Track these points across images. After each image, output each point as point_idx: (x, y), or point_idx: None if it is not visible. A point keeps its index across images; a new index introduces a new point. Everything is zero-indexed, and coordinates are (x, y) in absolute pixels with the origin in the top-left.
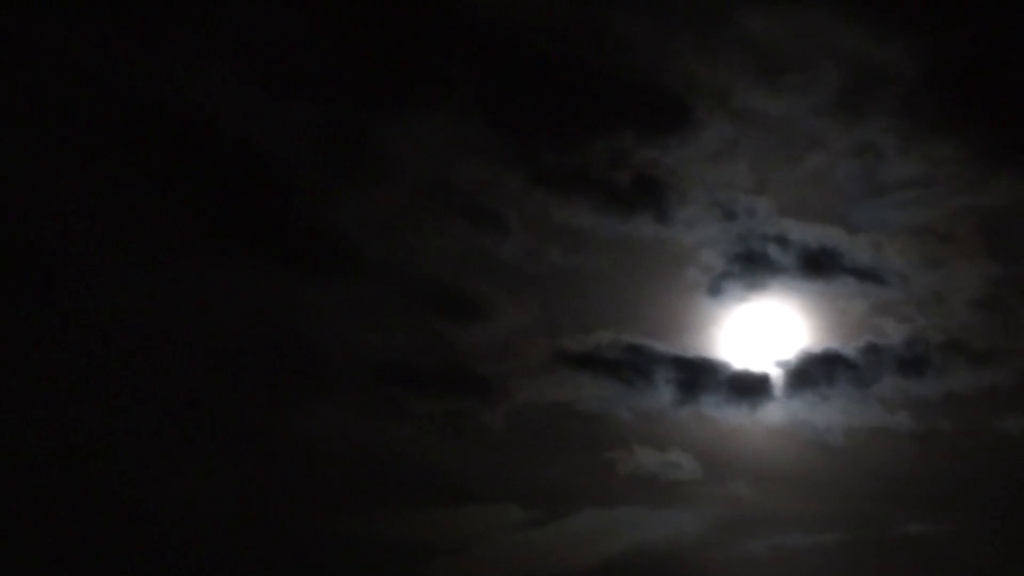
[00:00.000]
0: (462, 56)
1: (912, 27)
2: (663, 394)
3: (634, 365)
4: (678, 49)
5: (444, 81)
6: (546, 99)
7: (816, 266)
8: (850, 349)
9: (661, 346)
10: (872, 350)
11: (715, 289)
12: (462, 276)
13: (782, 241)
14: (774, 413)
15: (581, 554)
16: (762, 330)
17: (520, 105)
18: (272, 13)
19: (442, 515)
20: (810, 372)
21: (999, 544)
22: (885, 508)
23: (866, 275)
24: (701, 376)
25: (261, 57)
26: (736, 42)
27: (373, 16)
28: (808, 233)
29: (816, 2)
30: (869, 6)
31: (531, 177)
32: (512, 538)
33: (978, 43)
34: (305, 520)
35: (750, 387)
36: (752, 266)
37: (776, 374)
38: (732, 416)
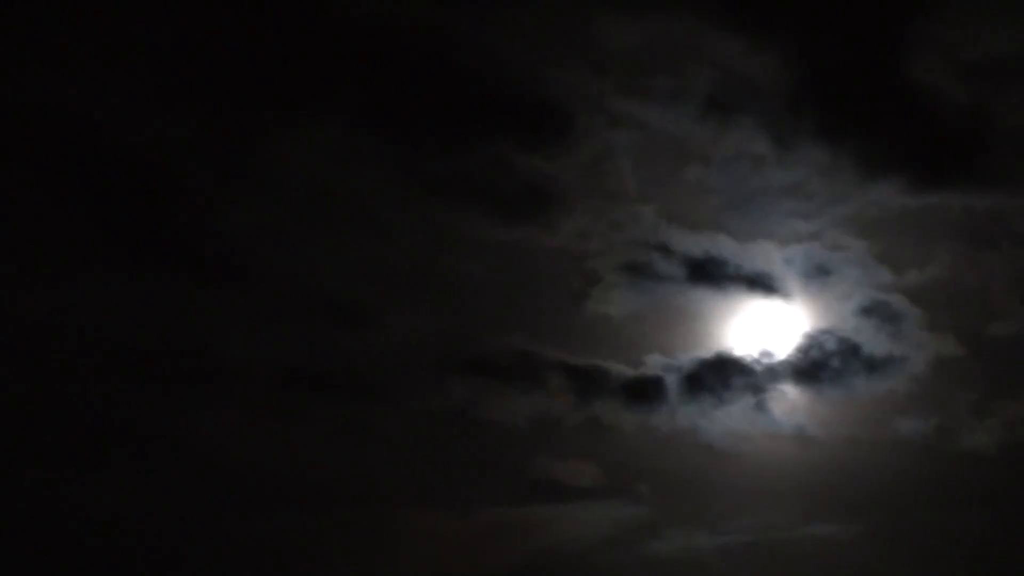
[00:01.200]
0: (348, 63)
1: (784, 35)
2: (557, 400)
3: (527, 372)
4: (555, 57)
5: (330, 88)
6: (431, 107)
7: (703, 274)
8: (744, 355)
9: (553, 353)
10: (766, 356)
11: (604, 298)
12: (353, 283)
13: (667, 250)
14: (671, 418)
15: (491, 555)
16: (654, 337)
17: (406, 112)
18: (158, 19)
19: (348, 518)
20: (704, 378)
21: (900, 544)
22: (787, 510)
23: (756, 283)
24: (595, 383)
25: (148, 64)
26: (608, 50)
27: (259, 22)
28: (694, 241)
29: (685, 10)
30: (739, 14)
31: (419, 184)
32: (420, 539)
33: (850, 51)
34: (201, 524)
35: (645, 393)
36: (640, 274)
37: (671, 380)
38: (629, 421)
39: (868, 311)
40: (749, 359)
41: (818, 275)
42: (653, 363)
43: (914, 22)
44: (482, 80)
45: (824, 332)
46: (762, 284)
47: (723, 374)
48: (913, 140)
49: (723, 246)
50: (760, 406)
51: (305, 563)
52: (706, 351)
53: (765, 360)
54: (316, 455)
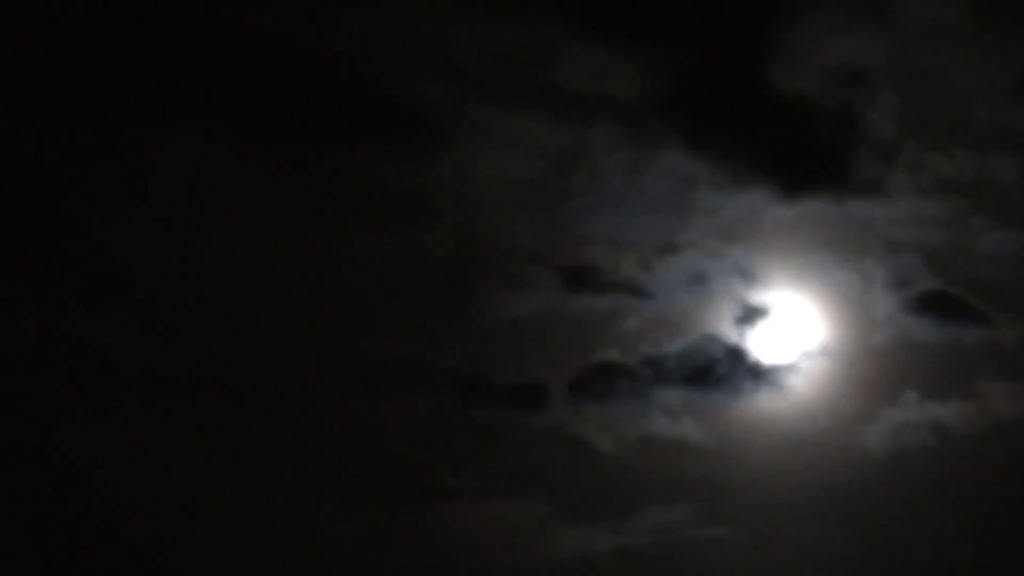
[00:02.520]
0: (221, 76)
1: (644, 42)
2: (444, 405)
3: (412, 378)
4: (419, 67)
5: (205, 100)
6: (302, 117)
7: (580, 282)
8: (627, 361)
9: (438, 360)
10: (650, 362)
11: (485, 306)
12: (233, 292)
13: (542, 258)
14: (557, 423)
15: (381, 556)
16: (537, 344)
17: (280, 123)
18: (32, 34)
19: (234, 521)
20: (589, 384)
21: (783, 544)
22: (680, 512)
23: (635, 290)
24: (481, 389)
25: (25, 78)
26: (472, 59)
27: (132, 37)
28: (567, 250)
29: (547, 17)
30: (599, 21)
31: (293, 194)
32: (308, 541)
33: (711, 58)
34: (72, 529)
35: (530, 399)
36: (518, 283)
37: (556, 386)
38: (515, 427)
39: (748, 318)
40: (633, 365)
41: (696, 283)
42: (537, 370)
43: (773, 29)
44: (351, 90)
45: (707, 338)
46: (641, 292)
47: (607, 380)
48: (781, 148)
49: (598, 254)
50: (645, 411)
51: (185, 565)
52: (589, 358)
53: (649, 366)
54: (196, 460)
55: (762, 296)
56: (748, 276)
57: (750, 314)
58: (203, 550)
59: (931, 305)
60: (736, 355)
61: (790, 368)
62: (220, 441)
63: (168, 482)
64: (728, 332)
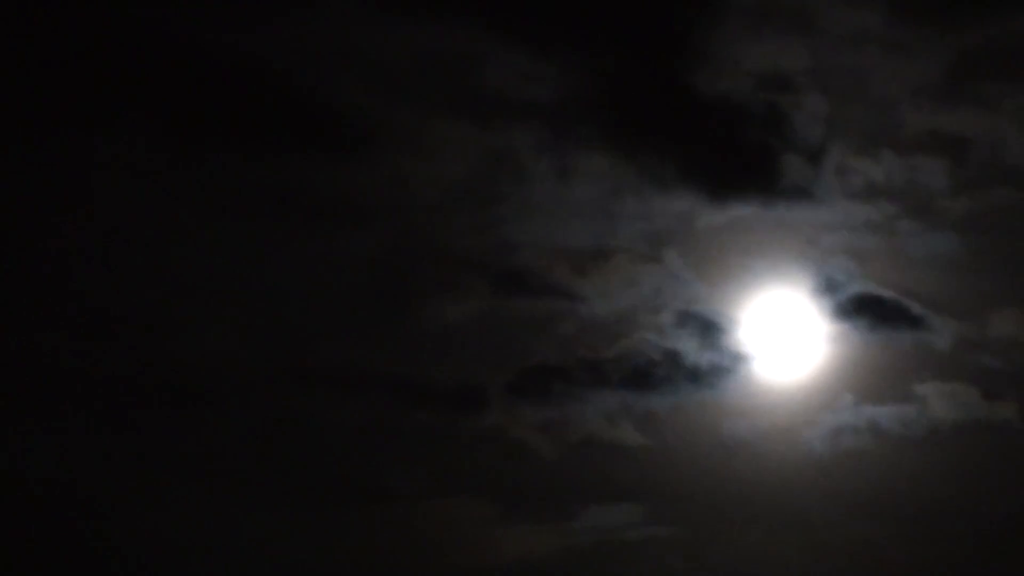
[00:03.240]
0: (149, 83)
1: (572, 49)
2: (380, 408)
3: (353, 380)
4: (348, 74)
5: (135, 107)
6: (231, 123)
7: (514, 287)
8: (565, 364)
9: (378, 362)
10: (587, 365)
11: (422, 312)
12: (173, 298)
13: (473, 263)
14: (496, 426)
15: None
16: (476, 347)
17: (210, 129)
18: None
19: (173, 523)
20: (527, 387)
21: (725, 544)
22: (626, 512)
23: (572, 295)
24: (417, 391)
25: None
26: (396, 66)
27: (71, 42)
28: (498, 255)
29: (473, 27)
30: (522, 25)
31: (226, 198)
32: (252, 543)
33: (636, 62)
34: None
35: (468, 401)
36: (452, 286)
37: (494, 388)
38: (456, 427)
39: (683, 322)
40: (570, 368)
41: (630, 287)
42: (475, 373)
43: (697, 33)
44: (282, 98)
45: (643, 342)
46: (576, 296)
47: (545, 383)
48: (709, 152)
49: (530, 258)
50: (584, 413)
51: (128, 567)
52: (526, 361)
53: (586, 369)
54: (138, 465)
55: (696, 300)
56: (681, 280)
57: (685, 318)
58: (147, 552)
59: (865, 308)
60: (673, 358)
61: (727, 371)
62: (162, 445)
63: (111, 486)
64: (664, 335)
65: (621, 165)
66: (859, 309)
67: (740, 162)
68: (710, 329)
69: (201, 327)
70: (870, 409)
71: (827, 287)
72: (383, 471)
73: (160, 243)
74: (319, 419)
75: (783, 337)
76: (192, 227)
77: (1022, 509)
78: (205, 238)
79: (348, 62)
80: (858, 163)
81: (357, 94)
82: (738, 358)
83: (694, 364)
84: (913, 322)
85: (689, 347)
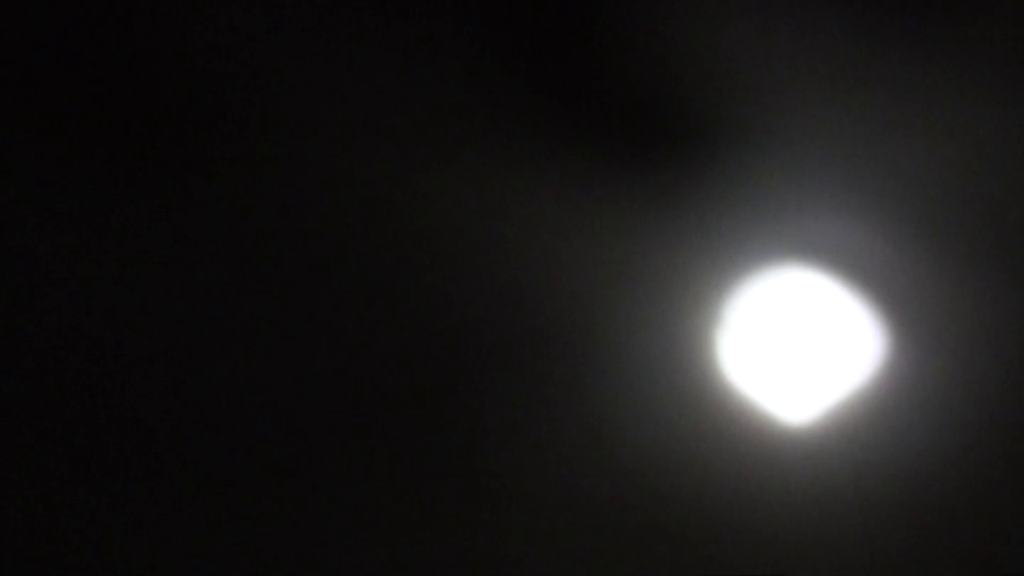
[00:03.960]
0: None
1: (467, 39)
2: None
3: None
4: (236, 74)
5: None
6: (119, 128)
7: None
8: None
9: None
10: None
11: None
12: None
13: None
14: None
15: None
16: None
17: (100, 133)
18: None
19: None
20: None
21: (633, 548)
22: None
23: None
24: None
25: None
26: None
27: None
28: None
29: (354, 16)
30: (417, 16)
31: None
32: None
33: (543, 57)
34: None
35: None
36: None
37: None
38: None
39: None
40: None
41: None
42: None
43: (607, 29)
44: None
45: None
46: None
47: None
48: (632, 156)
49: None
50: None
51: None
52: None
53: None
54: None
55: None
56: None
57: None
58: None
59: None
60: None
61: None
62: (36, 451)
63: None
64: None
65: (551, 170)
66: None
67: (669, 165)
68: None
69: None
70: None
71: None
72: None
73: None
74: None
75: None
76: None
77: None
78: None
79: (240, 65)
80: None
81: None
82: None
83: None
84: None
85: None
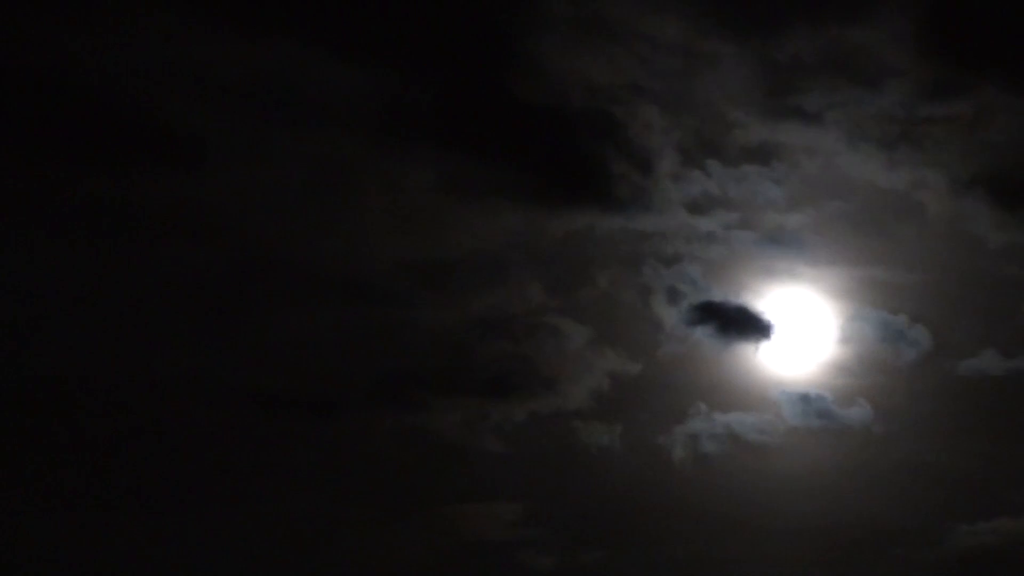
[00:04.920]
0: None
1: (397, 58)
2: (232, 418)
3: (198, 393)
4: (176, 89)
5: None
6: (68, 141)
7: (360, 296)
8: (418, 372)
9: (222, 375)
10: (439, 374)
11: (266, 325)
12: (16, 306)
13: (319, 273)
14: (354, 432)
15: None
16: (326, 356)
17: (45, 146)
18: None
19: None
20: (382, 393)
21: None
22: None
23: (415, 305)
24: (270, 402)
25: None
26: (224, 80)
27: None
28: (345, 264)
29: (296, 40)
30: (341, 38)
31: (60, 216)
32: None
33: (458, 73)
34: None
35: (323, 409)
36: (296, 297)
37: (350, 396)
38: (311, 436)
39: (534, 332)
40: (424, 375)
41: (478, 297)
42: (329, 381)
43: (522, 45)
44: (112, 115)
45: (497, 350)
46: (421, 305)
47: (401, 389)
48: (544, 163)
49: (374, 269)
50: (442, 419)
51: None
52: (380, 368)
53: (442, 375)
54: None
55: (544, 311)
56: (527, 290)
57: (535, 328)
58: None
59: (712, 317)
60: (527, 366)
61: (578, 380)
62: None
63: None
64: (518, 344)
65: (454, 175)
66: (706, 318)
67: (575, 172)
68: (562, 339)
69: (36, 344)
70: (725, 417)
71: (674, 296)
72: (242, 477)
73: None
74: (169, 427)
75: (634, 347)
76: (32, 243)
77: (875, 516)
78: (47, 255)
79: (174, 76)
80: (691, 174)
81: (185, 108)
82: (590, 367)
83: (551, 374)
84: (762, 329)
85: (541, 355)
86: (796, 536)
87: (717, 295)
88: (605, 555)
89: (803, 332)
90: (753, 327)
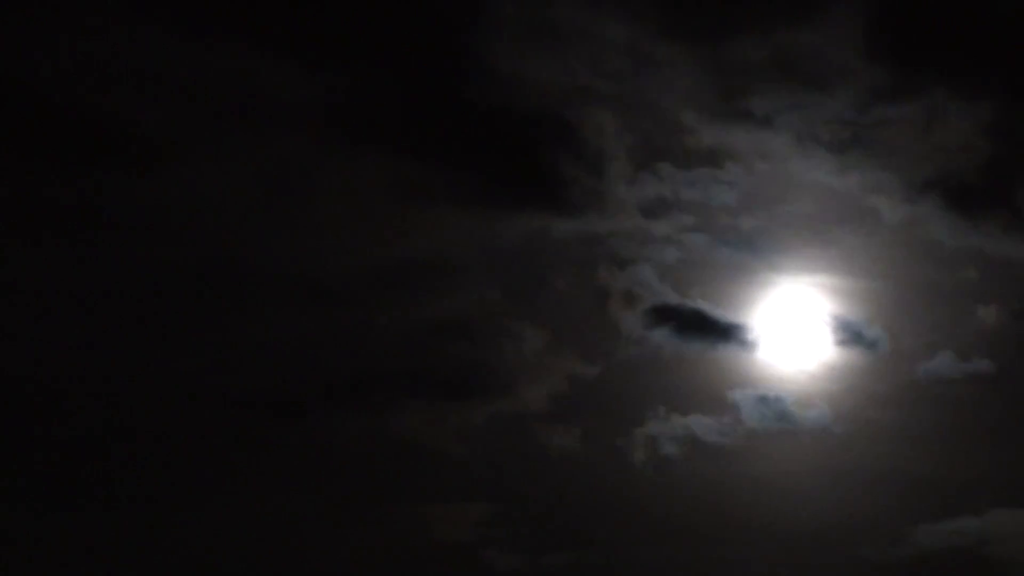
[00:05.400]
0: None
1: (348, 60)
2: (194, 419)
3: (162, 395)
4: (136, 91)
5: None
6: (28, 142)
7: (310, 299)
8: (378, 374)
9: (183, 377)
10: (398, 376)
11: (227, 325)
12: None
13: (282, 275)
14: (318, 433)
15: None
16: (290, 359)
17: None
18: None
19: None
20: (342, 395)
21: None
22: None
23: (374, 308)
24: (233, 403)
25: None
26: (181, 82)
27: None
28: (306, 266)
29: (233, 36)
30: (290, 40)
31: (21, 216)
32: None
33: (404, 76)
34: None
35: (281, 410)
36: (260, 300)
37: (313, 398)
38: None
39: (495, 335)
40: (384, 377)
41: (436, 300)
42: (292, 383)
43: (474, 48)
44: (73, 116)
45: (454, 354)
46: (381, 308)
47: (361, 390)
48: (496, 165)
49: (332, 270)
50: (401, 420)
51: None
52: (343, 370)
53: (402, 376)
54: None
55: (504, 312)
56: (486, 293)
57: (493, 331)
58: None
59: (669, 320)
60: (484, 370)
61: (537, 383)
62: None
63: None
64: (476, 346)
65: (409, 179)
66: (663, 320)
67: (528, 175)
68: (520, 342)
69: (21, 347)
70: (684, 419)
71: (632, 299)
72: (205, 480)
73: None
74: (127, 429)
75: (593, 350)
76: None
77: (836, 517)
78: (12, 258)
79: (133, 79)
80: (644, 177)
81: (143, 111)
82: (549, 371)
83: (509, 376)
84: (720, 332)
85: (500, 358)
86: (758, 537)
87: (673, 298)
88: (570, 556)
89: (761, 335)
90: (710, 329)
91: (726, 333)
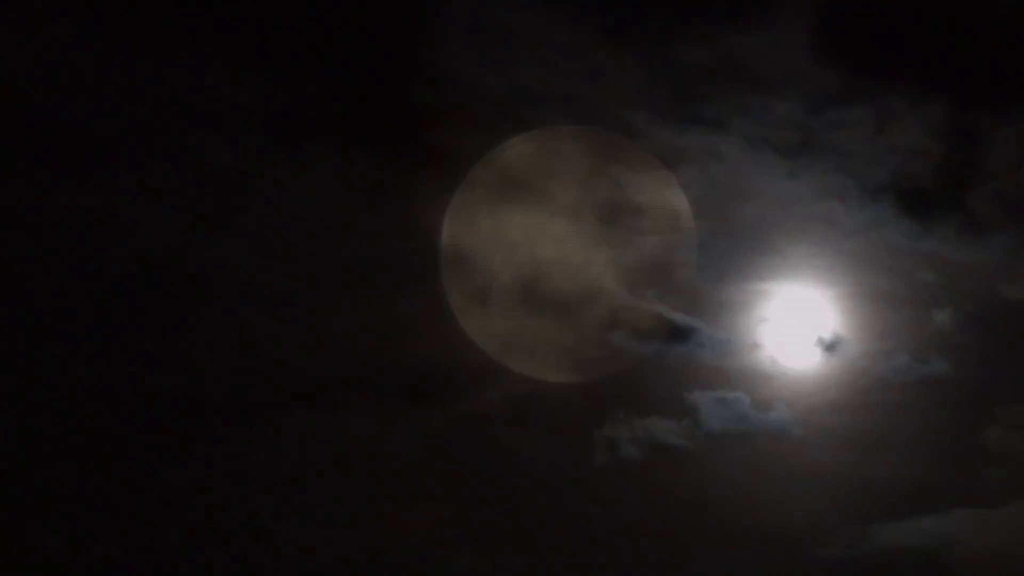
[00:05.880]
0: None
1: (296, 63)
2: (154, 420)
3: (119, 398)
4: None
5: None
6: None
7: (268, 305)
8: (339, 377)
9: (141, 379)
10: (359, 379)
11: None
12: None
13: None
14: (275, 434)
15: None
16: (252, 361)
17: None
18: None
19: None
20: (302, 395)
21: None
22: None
23: (334, 312)
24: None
25: None
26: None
27: None
28: (245, 273)
29: (189, 38)
30: (218, 44)
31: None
32: None
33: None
34: None
35: (238, 411)
36: (213, 302)
37: (272, 396)
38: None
39: (452, 338)
40: (346, 380)
41: (398, 302)
42: (255, 385)
43: (425, 54)
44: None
45: (411, 355)
46: (341, 312)
47: (318, 391)
48: (452, 168)
49: (282, 276)
50: (362, 424)
51: None
52: (305, 373)
53: (361, 381)
54: None
55: (465, 316)
56: (447, 300)
57: (450, 332)
58: None
59: (626, 323)
60: (445, 373)
61: (496, 385)
62: None
63: None
64: (434, 350)
65: (361, 180)
66: (620, 324)
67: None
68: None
69: None
70: (643, 422)
71: (586, 302)
72: (160, 482)
73: None
74: (77, 432)
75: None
76: None
77: (796, 518)
78: None
79: (72, 82)
80: (600, 182)
81: (82, 114)
82: (506, 374)
83: (465, 380)
84: (678, 335)
85: (458, 362)
86: (719, 538)
87: (631, 300)
88: (529, 557)
89: (719, 336)
90: (669, 332)
91: (684, 335)
